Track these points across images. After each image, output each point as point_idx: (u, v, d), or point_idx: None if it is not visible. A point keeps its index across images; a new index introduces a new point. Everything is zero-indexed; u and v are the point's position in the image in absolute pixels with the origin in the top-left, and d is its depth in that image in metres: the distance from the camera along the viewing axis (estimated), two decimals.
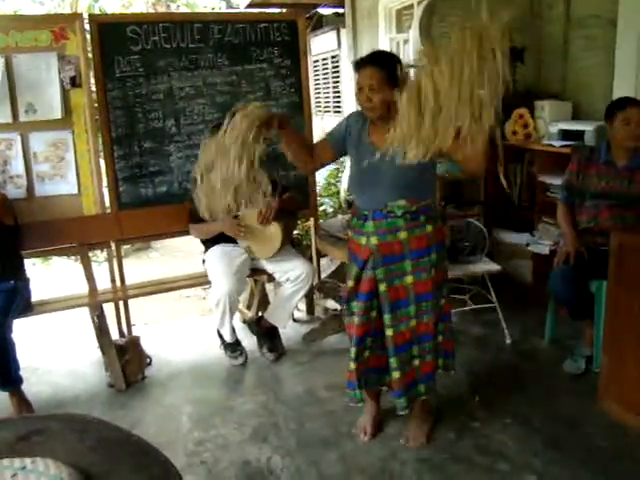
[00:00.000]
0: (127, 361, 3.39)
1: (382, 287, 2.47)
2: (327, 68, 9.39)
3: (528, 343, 3.62)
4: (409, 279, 2.47)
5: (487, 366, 3.40)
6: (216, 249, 3.52)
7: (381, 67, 2.36)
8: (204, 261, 3.62)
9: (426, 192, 2.50)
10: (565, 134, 3.88)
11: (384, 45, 6.79)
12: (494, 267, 3.71)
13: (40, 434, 1.40)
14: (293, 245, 3.88)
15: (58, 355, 3.85)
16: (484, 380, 3.23)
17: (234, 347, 3.55)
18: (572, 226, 3.24)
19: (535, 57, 4.49)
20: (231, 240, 3.50)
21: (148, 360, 3.53)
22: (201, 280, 3.69)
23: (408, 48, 6.16)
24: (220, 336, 3.58)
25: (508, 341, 3.62)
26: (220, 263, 3.40)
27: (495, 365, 3.40)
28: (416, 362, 2.56)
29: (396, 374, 2.52)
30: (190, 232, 3.61)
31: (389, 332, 2.49)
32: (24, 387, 3.13)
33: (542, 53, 4.47)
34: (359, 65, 2.42)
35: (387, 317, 2.48)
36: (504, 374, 3.29)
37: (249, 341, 3.70)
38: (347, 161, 5.72)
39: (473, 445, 2.67)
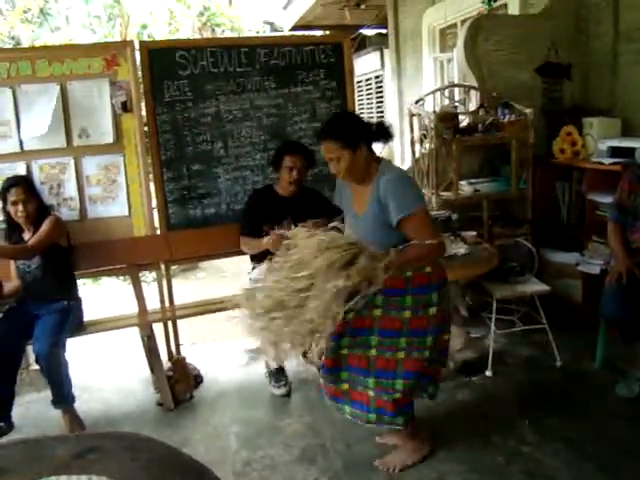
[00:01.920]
0: (176, 380, 3.43)
1: (377, 312, 2.43)
2: (371, 89, 9.44)
3: (579, 365, 3.52)
4: (407, 313, 2.43)
5: (537, 389, 3.32)
6: (262, 268, 3.52)
7: (335, 138, 2.40)
8: (250, 280, 3.64)
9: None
10: (614, 151, 3.79)
11: (428, 65, 6.80)
12: (543, 287, 3.63)
13: (94, 452, 1.42)
14: None
15: (109, 374, 3.93)
16: (534, 403, 3.15)
17: (278, 376, 3.51)
18: (623, 245, 3.15)
19: (582, 73, 4.42)
20: None
21: (199, 379, 3.56)
22: None
23: (452, 67, 6.15)
24: (265, 361, 3.58)
25: (558, 363, 3.53)
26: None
27: (545, 388, 3.32)
28: (397, 395, 2.49)
29: (370, 392, 2.49)
30: (240, 245, 3.61)
31: (372, 352, 2.45)
32: (76, 405, 3.20)
33: (589, 69, 4.40)
34: (319, 139, 2.48)
35: (374, 338, 2.44)
36: (554, 397, 3.21)
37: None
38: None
39: (523, 470, 2.60)
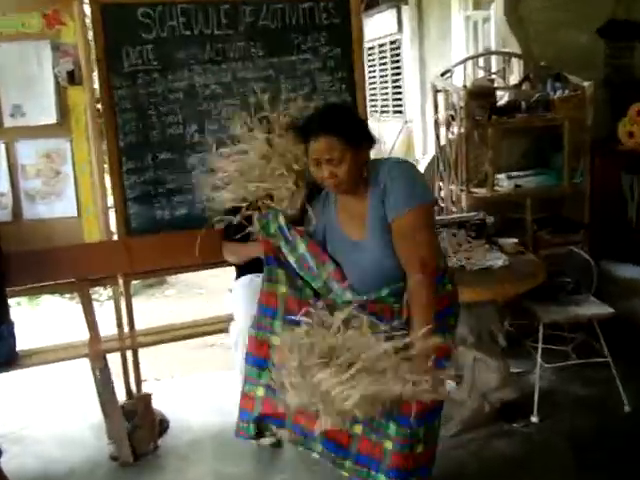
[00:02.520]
0: (136, 426, 3.40)
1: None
2: (385, 57, 9.45)
3: None
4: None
5: (597, 440, 3.29)
6: (245, 279, 3.50)
7: (338, 133, 2.31)
8: (231, 290, 3.61)
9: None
10: None
11: (458, 26, 6.80)
12: (605, 310, 3.61)
13: None
14: None
15: (49, 419, 3.89)
16: (593, 459, 3.13)
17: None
18: None
19: None
20: None
21: (165, 424, 3.54)
22: (226, 326, 3.68)
23: (488, 29, 6.16)
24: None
25: (626, 408, 3.51)
26: (245, 293, 3.36)
27: (608, 439, 3.30)
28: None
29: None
30: (223, 252, 3.59)
31: (357, 429, 2.43)
32: (3, 460, 3.13)
33: None
34: (309, 134, 2.36)
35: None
36: (620, 452, 3.18)
37: None
38: None
39: None
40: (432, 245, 2.35)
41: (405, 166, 2.43)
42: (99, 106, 3.71)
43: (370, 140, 2.42)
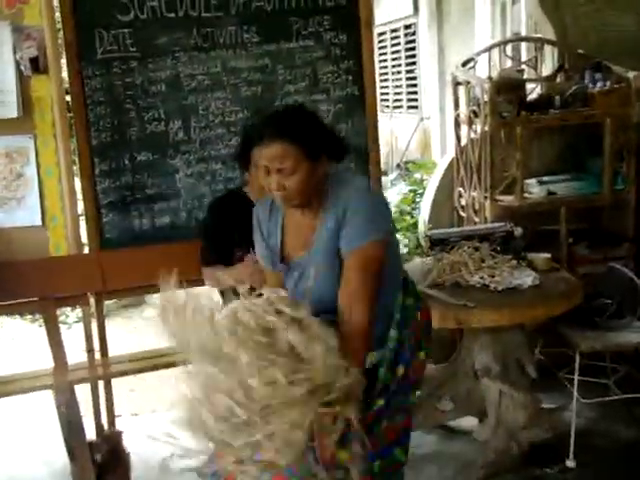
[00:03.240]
0: (107, 470, 3.39)
1: None
2: (398, 44, 9.49)
3: None
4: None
5: None
6: (236, 304, 3.49)
7: (295, 140, 2.32)
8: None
9: None
10: None
11: (482, 8, 6.82)
12: None
13: None
14: None
15: (4, 461, 3.87)
16: None
17: None
18: None
19: None
20: None
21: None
22: None
23: (518, 11, 6.18)
24: None
25: None
26: None
27: None
28: None
29: None
30: (204, 278, 3.60)
31: None
32: None
33: None
34: (261, 136, 2.36)
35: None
36: None
37: None
38: (427, 181, 5.72)
39: None
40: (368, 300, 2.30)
41: (371, 199, 2.40)
42: (68, 98, 3.72)
43: (335, 153, 2.44)
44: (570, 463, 3.45)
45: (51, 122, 3.64)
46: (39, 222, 3.69)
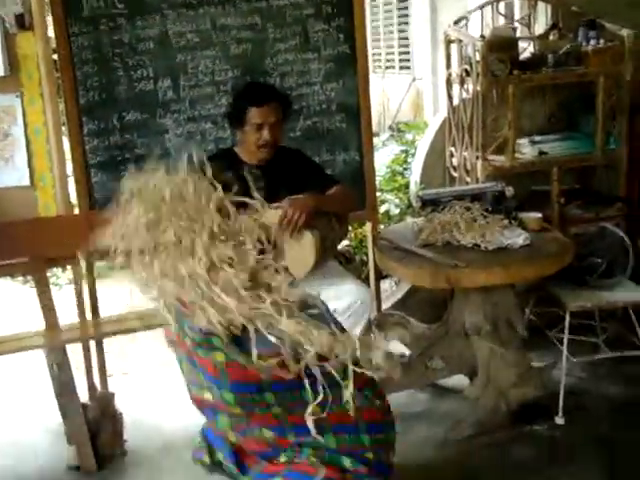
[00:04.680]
0: (100, 429, 3.41)
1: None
2: (390, 3, 9.41)
3: None
4: None
5: (635, 446, 3.31)
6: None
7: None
8: None
9: None
10: None
11: None
12: None
13: None
14: (340, 262, 3.83)
15: None
16: (629, 470, 3.15)
17: None
18: None
19: None
20: None
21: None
22: None
23: None
24: None
25: None
26: None
27: None
28: None
29: None
30: None
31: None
32: None
33: None
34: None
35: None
36: None
37: None
38: (418, 143, 5.70)
39: None
40: None
41: None
42: (55, 57, 3.69)
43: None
44: (559, 420, 3.49)
45: (38, 80, 3.61)
46: (27, 182, 3.68)
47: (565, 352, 3.57)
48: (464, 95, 4.40)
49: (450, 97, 4.61)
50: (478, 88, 4.12)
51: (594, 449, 3.28)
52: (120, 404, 3.57)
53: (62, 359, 3.39)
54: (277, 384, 2.34)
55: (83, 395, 3.60)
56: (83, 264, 3.79)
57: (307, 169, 3.56)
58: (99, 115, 3.74)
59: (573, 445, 3.34)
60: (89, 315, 3.79)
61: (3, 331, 3.70)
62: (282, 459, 2.52)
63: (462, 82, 4.39)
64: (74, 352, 3.62)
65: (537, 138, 4.35)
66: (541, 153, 4.24)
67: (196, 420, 3.69)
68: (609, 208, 4.24)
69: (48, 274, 3.81)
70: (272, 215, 3.24)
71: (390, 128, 8.83)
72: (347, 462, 2.48)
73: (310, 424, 2.25)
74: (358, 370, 2.29)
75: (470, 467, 3.21)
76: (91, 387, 3.81)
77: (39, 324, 3.63)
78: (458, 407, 3.66)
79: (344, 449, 2.49)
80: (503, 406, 3.46)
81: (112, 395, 3.56)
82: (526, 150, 4.27)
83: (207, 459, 2.73)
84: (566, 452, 3.29)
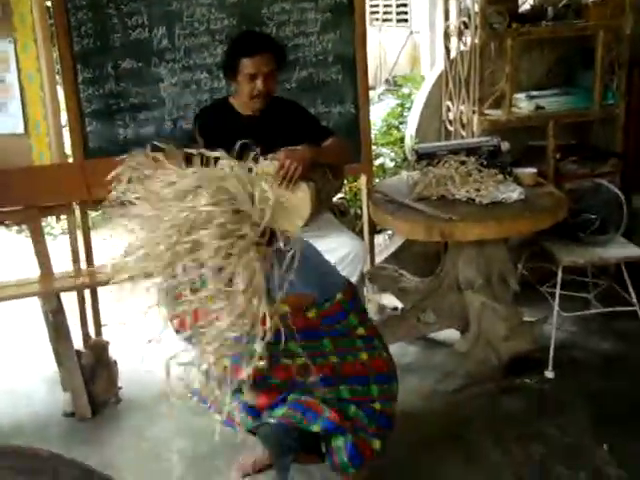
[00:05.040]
0: (95, 376, 3.45)
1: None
2: None
3: None
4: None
5: (621, 399, 3.36)
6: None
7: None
8: None
9: None
10: None
11: None
12: (634, 252, 3.65)
13: None
14: (335, 214, 3.83)
15: None
16: (617, 420, 3.19)
17: None
18: None
19: None
20: None
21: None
22: None
23: None
24: None
25: None
26: None
27: (635, 399, 3.36)
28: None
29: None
30: None
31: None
32: None
33: None
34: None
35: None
36: None
37: None
38: (415, 95, 5.67)
39: None
40: None
41: None
42: (49, 4, 3.65)
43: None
44: (549, 374, 3.53)
45: (31, 26, 3.59)
46: (22, 130, 3.66)
47: (556, 307, 3.60)
48: (462, 48, 4.37)
49: (448, 50, 4.58)
50: (476, 41, 4.09)
51: (583, 402, 3.32)
52: (115, 353, 3.61)
53: (57, 306, 3.41)
54: (300, 332, 2.37)
55: (78, 344, 3.63)
56: (77, 213, 3.80)
57: (302, 120, 3.54)
58: (94, 63, 3.72)
59: (562, 398, 3.38)
60: (83, 265, 3.79)
61: None
62: (290, 397, 2.55)
63: (460, 35, 4.35)
64: (69, 302, 3.64)
65: (534, 93, 4.32)
66: (538, 108, 4.22)
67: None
68: (605, 164, 4.23)
69: (42, 224, 3.81)
70: (267, 166, 3.24)
71: (386, 82, 8.79)
72: (352, 409, 2.52)
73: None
74: None
75: (459, 417, 3.26)
76: (86, 336, 3.84)
77: (34, 272, 3.66)
78: (448, 360, 3.70)
79: (354, 399, 2.54)
80: (494, 359, 3.49)
81: (106, 343, 3.59)
82: (523, 105, 4.25)
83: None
84: (555, 405, 3.34)
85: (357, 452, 2.56)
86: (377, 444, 2.53)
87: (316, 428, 2.47)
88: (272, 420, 2.54)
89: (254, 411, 2.62)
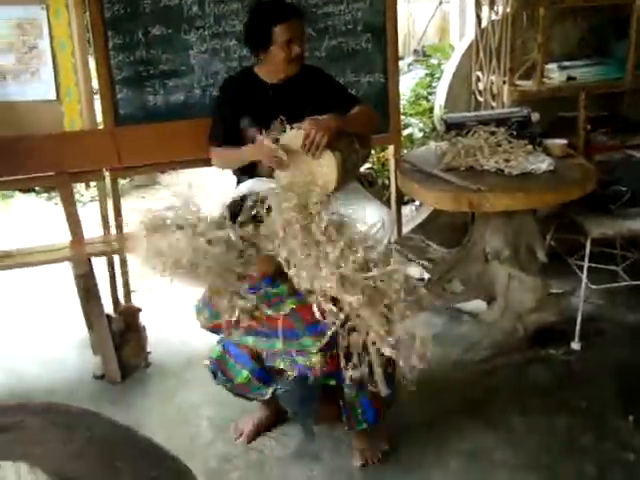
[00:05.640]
0: (124, 340, 3.50)
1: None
2: None
3: None
4: None
5: None
6: (248, 184, 3.54)
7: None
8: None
9: None
10: None
11: None
12: None
13: (7, 431, 1.46)
14: (363, 184, 3.83)
15: (24, 332, 3.98)
16: None
17: None
18: None
19: None
20: (271, 174, 3.50)
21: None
22: None
23: None
24: None
25: None
26: None
27: None
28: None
29: None
30: (211, 158, 3.63)
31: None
32: None
33: None
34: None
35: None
36: None
37: None
38: (444, 65, 5.63)
39: None
40: None
41: None
42: None
43: None
44: (575, 345, 3.53)
45: None
46: (53, 96, 3.68)
47: (584, 279, 3.58)
48: (493, 17, 4.33)
49: (479, 19, 4.54)
50: (508, 10, 4.05)
51: (609, 374, 3.33)
52: (144, 319, 3.66)
53: (87, 271, 3.45)
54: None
55: (108, 309, 3.68)
56: (108, 179, 3.83)
57: (329, 87, 3.54)
58: (124, 29, 3.71)
59: (588, 370, 3.38)
60: (113, 231, 3.83)
61: (30, 244, 3.75)
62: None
63: (492, 3, 4.31)
64: (98, 269, 3.67)
65: (566, 63, 4.28)
66: (569, 78, 4.18)
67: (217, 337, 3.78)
68: (636, 136, 4.18)
69: (73, 190, 3.84)
70: (293, 135, 3.25)
71: (415, 52, 8.72)
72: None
73: None
74: None
75: (485, 388, 3.27)
76: (115, 302, 3.89)
77: (63, 239, 3.70)
78: (475, 330, 3.71)
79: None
80: (520, 330, 3.50)
81: (137, 309, 3.63)
82: (554, 75, 4.21)
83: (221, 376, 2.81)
84: (581, 376, 3.34)
85: (371, 406, 2.64)
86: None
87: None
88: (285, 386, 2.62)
89: (265, 376, 2.69)
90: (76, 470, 1.35)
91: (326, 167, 3.31)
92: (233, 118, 3.49)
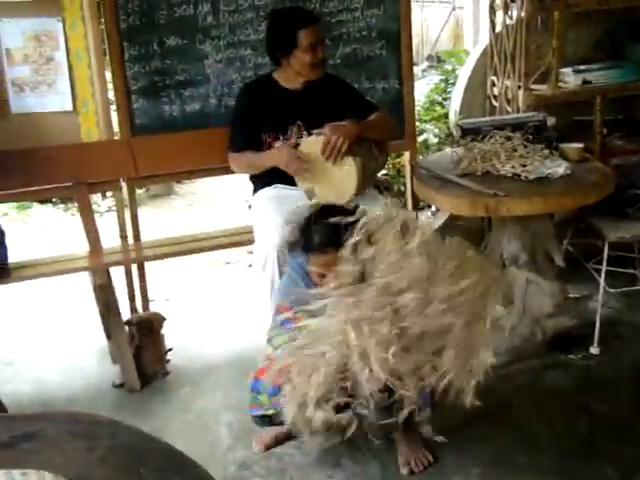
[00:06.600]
0: (143, 349, 3.50)
1: None
2: None
3: None
4: None
5: None
6: (267, 191, 3.55)
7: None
8: (250, 207, 3.66)
9: None
10: None
11: None
12: None
13: (30, 439, 1.47)
14: (380, 190, 3.83)
15: (44, 341, 4.00)
16: None
17: None
18: None
19: None
20: (290, 180, 3.51)
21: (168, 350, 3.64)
22: (245, 238, 3.74)
23: None
24: None
25: None
26: (269, 209, 3.43)
27: None
28: None
29: None
30: (230, 164, 3.64)
31: None
32: None
33: None
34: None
35: None
36: None
37: None
38: (459, 71, 5.63)
39: None
40: None
41: None
42: None
43: None
44: (594, 350, 3.52)
45: (79, 4, 3.62)
46: (70, 107, 3.71)
47: (602, 283, 3.57)
48: (507, 22, 4.33)
49: (493, 24, 4.54)
50: (522, 14, 4.06)
51: (628, 378, 3.32)
52: (163, 327, 3.66)
53: (106, 280, 3.48)
54: None
55: (127, 318, 3.69)
56: (125, 189, 3.85)
57: (347, 94, 3.57)
58: (140, 40, 3.74)
59: (607, 374, 3.37)
60: (131, 240, 3.86)
61: (48, 254, 3.77)
62: None
63: (506, 8, 4.32)
64: (116, 278, 3.70)
65: (581, 67, 4.28)
66: (585, 82, 4.18)
67: (236, 344, 3.80)
68: None
69: (91, 201, 3.86)
70: (313, 141, 3.27)
71: (429, 58, 8.74)
72: None
73: None
74: None
75: (503, 392, 3.26)
76: (133, 311, 3.90)
77: (81, 249, 3.72)
78: (494, 335, 3.69)
79: None
80: (538, 335, 3.49)
81: (156, 317, 3.63)
82: (569, 79, 4.21)
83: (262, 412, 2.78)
84: (600, 381, 3.33)
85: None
86: None
87: None
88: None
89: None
90: (100, 477, 1.36)
91: (346, 173, 3.32)
92: (252, 123, 3.50)
